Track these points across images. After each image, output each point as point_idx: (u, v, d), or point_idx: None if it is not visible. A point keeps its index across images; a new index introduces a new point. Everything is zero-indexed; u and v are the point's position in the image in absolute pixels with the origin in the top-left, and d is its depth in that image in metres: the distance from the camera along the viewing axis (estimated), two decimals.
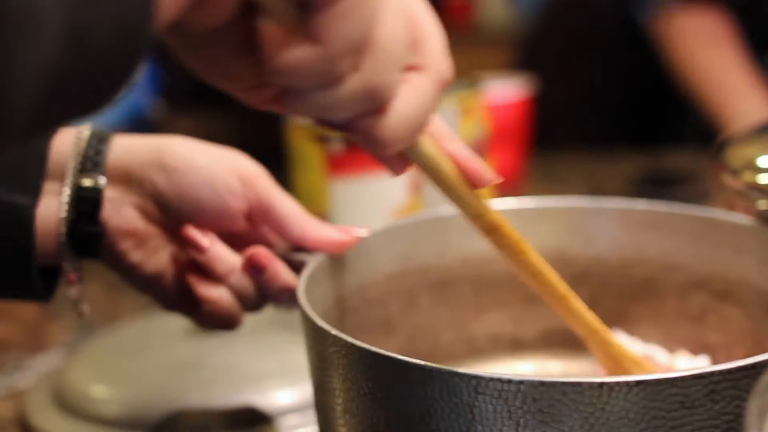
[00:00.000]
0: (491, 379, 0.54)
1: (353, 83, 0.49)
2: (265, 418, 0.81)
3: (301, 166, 1.15)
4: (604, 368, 0.70)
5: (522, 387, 0.54)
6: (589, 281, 0.82)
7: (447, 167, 0.60)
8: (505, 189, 1.32)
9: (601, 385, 0.53)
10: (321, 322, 0.61)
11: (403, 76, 0.53)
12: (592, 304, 0.81)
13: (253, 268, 0.71)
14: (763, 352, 0.74)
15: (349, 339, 0.59)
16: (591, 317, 0.68)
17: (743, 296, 0.76)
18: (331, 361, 0.61)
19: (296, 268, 0.71)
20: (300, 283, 0.67)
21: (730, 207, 0.79)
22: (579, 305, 0.68)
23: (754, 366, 0.54)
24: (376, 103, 0.52)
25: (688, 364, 0.77)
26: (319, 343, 0.62)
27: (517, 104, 1.45)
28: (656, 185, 1.39)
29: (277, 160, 1.14)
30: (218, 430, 0.80)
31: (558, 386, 0.53)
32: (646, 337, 0.81)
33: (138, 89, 1.61)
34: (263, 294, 0.72)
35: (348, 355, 0.59)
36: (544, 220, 0.82)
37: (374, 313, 0.77)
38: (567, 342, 0.82)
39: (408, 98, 0.53)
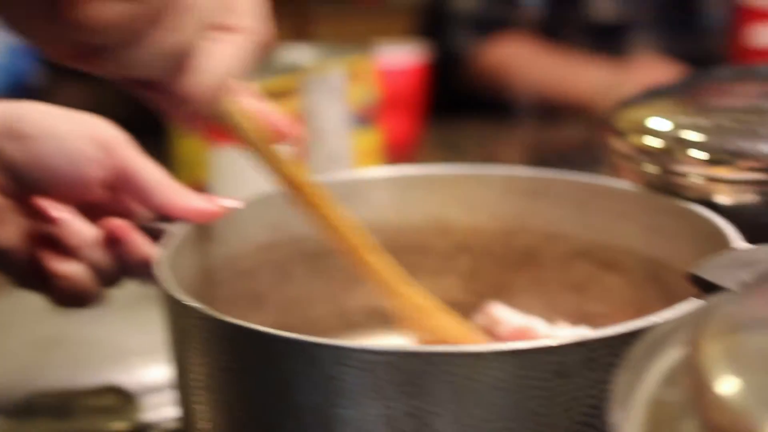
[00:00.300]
0: (355, 350, 0.50)
1: (157, 41, 0.49)
2: (129, 397, 0.77)
3: (179, 134, 1.11)
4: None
5: (388, 358, 0.50)
6: (469, 251, 0.79)
7: (248, 123, 0.61)
8: (398, 156, 1.30)
9: (472, 354, 0.50)
10: (176, 293, 0.57)
11: (209, 34, 0.53)
12: (473, 275, 0.79)
13: (109, 239, 0.66)
14: None
15: (205, 309, 0.55)
16: (395, 277, 0.66)
17: (627, 264, 0.74)
18: (187, 334, 0.57)
19: (159, 238, 0.67)
20: (158, 254, 0.63)
21: (617, 173, 0.77)
22: (387, 271, 0.66)
23: (632, 333, 0.51)
24: (179, 61, 0.52)
25: (568, 333, 0.74)
26: (174, 314, 0.58)
27: (410, 71, 1.42)
28: (550, 153, 1.37)
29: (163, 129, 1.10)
30: (79, 411, 0.76)
31: (425, 356, 0.50)
32: (527, 308, 0.78)
33: (17, 54, 1.52)
34: (122, 267, 0.68)
35: (203, 327, 0.56)
36: (425, 188, 0.79)
37: (244, 286, 0.73)
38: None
39: (213, 57, 0.54)
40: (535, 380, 0.50)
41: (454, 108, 1.66)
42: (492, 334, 0.77)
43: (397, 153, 1.31)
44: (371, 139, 1.19)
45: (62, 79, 1.65)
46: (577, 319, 0.77)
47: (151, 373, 0.77)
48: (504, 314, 0.77)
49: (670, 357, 0.46)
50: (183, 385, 0.60)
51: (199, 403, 0.58)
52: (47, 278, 0.66)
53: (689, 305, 0.53)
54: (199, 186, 1.06)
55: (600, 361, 0.51)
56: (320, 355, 0.51)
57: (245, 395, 0.55)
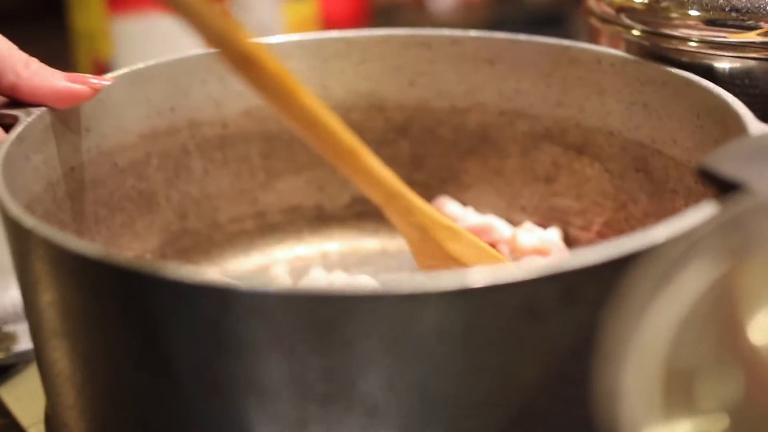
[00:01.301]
0: (246, 293, 0.36)
1: None
2: None
3: (77, 2, 0.94)
4: (410, 243, 0.53)
5: (292, 302, 0.36)
6: (409, 134, 0.65)
7: None
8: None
9: (405, 296, 0.35)
10: (15, 210, 0.42)
11: None
12: (415, 163, 0.65)
13: None
14: (626, 218, 0.58)
15: (44, 231, 0.40)
16: (388, 176, 0.50)
17: (604, 149, 0.60)
18: (29, 264, 0.42)
19: (8, 129, 0.52)
20: (1, 148, 0.48)
21: (594, 37, 0.62)
22: (370, 161, 0.49)
23: (628, 257, 0.37)
24: None
25: (534, 239, 0.60)
26: (17, 240, 0.44)
27: None
28: (517, 27, 1.20)
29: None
30: None
31: (342, 300, 0.36)
32: (482, 205, 0.65)
33: None
34: None
35: (47, 256, 0.41)
36: (350, 57, 0.64)
37: (127, 185, 0.58)
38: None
39: None
40: (492, 328, 0.37)
41: None
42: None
43: (334, 28, 1.15)
44: (305, 9, 1.03)
45: None
46: (544, 216, 0.63)
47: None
48: (456, 211, 0.63)
49: (688, 290, 0.33)
50: (35, 327, 0.46)
51: (54, 350, 0.44)
52: None
53: (704, 212, 0.39)
54: (99, 63, 0.90)
55: (583, 295, 0.37)
56: (199, 296, 0.36)
57: (108, 345, 0.41)
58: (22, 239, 0.42)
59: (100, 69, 0.91)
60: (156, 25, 0.93)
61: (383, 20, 1.29)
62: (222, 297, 0.36)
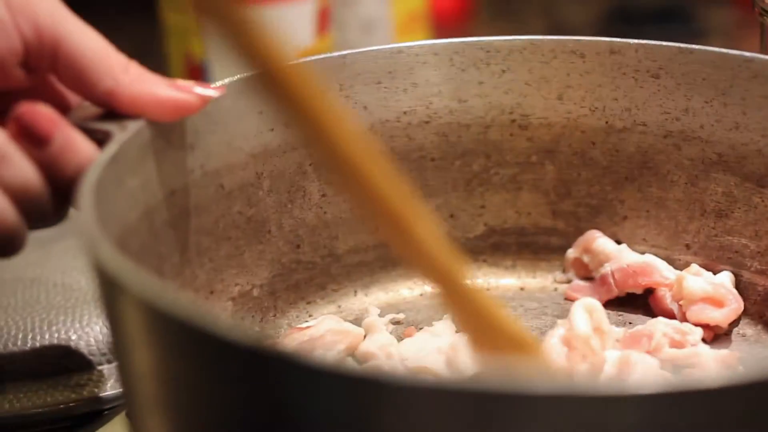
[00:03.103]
0: (395, 387, 0.28)
1: None
2: (86, 360, 0.56)
3: None
4: (466, 335, 0.43)
5: (456, 398, 0.28)
6: (556, 156, 0.58)
7: None
8: (446, 28, 1.09)
9: (597, 398, 0.27)
10: (104, 255, 0.34)
11: None
12: (561, 190, 0.57)
13: (29, 137, 0.44)
14: None
15: (146, 290, 0.32)
16: (445, 254, 0.40)
17: None
18: (124, 320, 0.35)
19: (102, 146, 0.45)
20: (90, 169, 0.41)
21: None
22: (427, 235, 0.39)
23: None
24: None
25: (705, 284, 0.52)
26: (106, 289, 0.36)
27: None
28: (630, 22, 1.12)
29: None
30: (15, 376, 0.55)
31: (520, 401, 0.27)
32: (638, 241, 0.57)
33: None
34: (58, 188, 0.45)
35: (145, 316, 0.33)
36: (491, 66, 0.56)
37: (234, 211, 0.51)
38: (522, 243, 0.59)
39: None
40: None
41: None
42: (592, 274, 0.56)
43: (445, 23, 1.10)
44: (414, 3, 0.96)
45: None
46: (712, 256, 0.55)
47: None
48: (609, 247, 0.55)
49: None
50: (127, 391, 0.38)
51: (150, 425, 0.36)
52: None
53: None
54: (192, 63, 0.83)
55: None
56: (344, 387, 0.28)
57: (226, 425, 0.33)
58: (115, 294, 0.35)
59: (194, 70, 0.85)
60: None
61: (496, 14, 1.25)
62: (374, 393, 0.28)
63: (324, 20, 0.86)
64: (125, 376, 0.38)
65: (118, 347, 0.38)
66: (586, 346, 0.46)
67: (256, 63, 0.37)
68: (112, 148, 0.42)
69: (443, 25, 1.07)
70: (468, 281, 0.41)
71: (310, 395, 0.29)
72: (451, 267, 0.40)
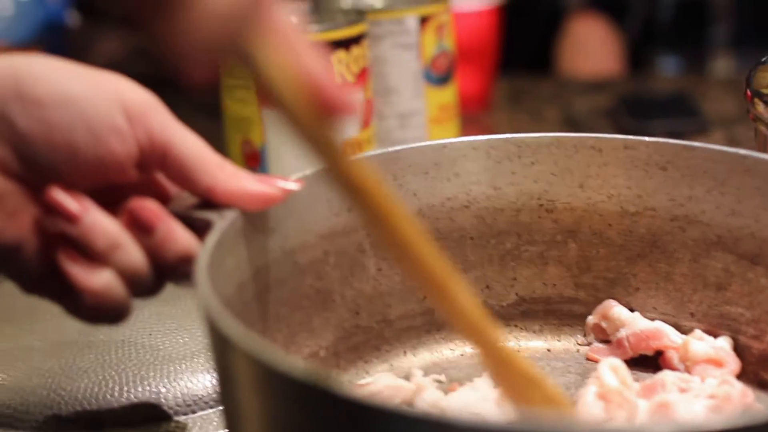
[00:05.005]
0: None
1: None
2: (172, 411, 0.64)
3: (229, 89, 0.92)
4: (502, 390, 0.53)
5: None
6: (578, 236, 0.65)
7: (284, 79, 0.45)
8: (469, 114, 1.12)
9: None
10: (223, 319, 0.43)
11: None
12: (582, 265, 0.65)
13: (137, 227, 0.53)
14: None
15: (256, 349, 0.41)
16: (483, 320, 0.50)
17: None
18: (235, 376, 0.44)
19: (201, 231, 0.54)
20: (202, 252, 0.49)
21: (763, 145, 0.62)
22: (462, 297, 0.49)
23: None
24: None
25: (708, 348, 0.60)
26: (219, 346, 0.45)
27: (483, 15, 1.18)
28: (638, 115, 1.15)
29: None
30: (111, 424, 0.63)
31: None
32: (649, 309, 0.65)
33: None
34: (158, 269, 0.54)
35: (256, 372, 0.42)
36: (523, 159, 0.65)
37: (306, 283, 0.60)
38: (549, 310, 0.67)
39: None
40: None
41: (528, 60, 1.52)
42: (609, 338, 0.64)
43: (469, 112, 1.12)
44: (447, 95, 1.00)
45: (96, 21, 1.49)
46: (713, 323, 0.63)
47: (195, 383, 0.64)
48: (623, 315, 0.63)
49: None
50: (230, 425, 0.47)
51: None
52: (65, 284, 0.53)
53: None
54: (251, 150, 0.90)
55: None
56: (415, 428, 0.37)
57: None
58: (223, 346, 0.44)
59: (251, 156, 0.90)
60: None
61: (514, 104, 1.29)
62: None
63: (368, 113, 0.91)
64: (230, 418, 0.47)
65: (226, 394, 0.46)
66: (620, 397, 0.54)
67: (322, 156, 0.47)
68: (216, 234, 0.51)
69: (467, 113, 1.09)
70: (502, 343, 0.51)
71: None
72: (487, 330, 0.50)
